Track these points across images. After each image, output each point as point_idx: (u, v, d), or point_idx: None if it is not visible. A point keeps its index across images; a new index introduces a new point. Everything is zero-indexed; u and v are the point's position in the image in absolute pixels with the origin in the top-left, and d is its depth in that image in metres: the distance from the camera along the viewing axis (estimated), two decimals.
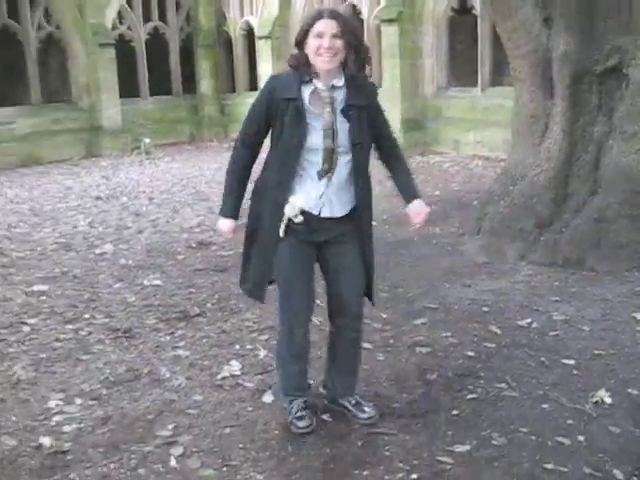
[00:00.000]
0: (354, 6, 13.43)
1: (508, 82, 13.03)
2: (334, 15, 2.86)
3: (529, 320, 4.38)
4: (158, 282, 5.51)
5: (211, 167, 12.13)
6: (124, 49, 15.18)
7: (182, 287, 5.36)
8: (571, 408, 3.28)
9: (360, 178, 3.03)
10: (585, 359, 3.80)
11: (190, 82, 16.45)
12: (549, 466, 2.81)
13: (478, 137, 11.55)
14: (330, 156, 2.90)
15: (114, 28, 14.96)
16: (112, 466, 2.95)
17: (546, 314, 4.48)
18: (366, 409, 3.22)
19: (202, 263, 6.03)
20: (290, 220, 2.96)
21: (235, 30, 16.00)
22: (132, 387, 3.69)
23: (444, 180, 9.56)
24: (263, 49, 14.69)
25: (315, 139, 2.90)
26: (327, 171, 2.93)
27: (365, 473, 2.83)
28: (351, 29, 2.90)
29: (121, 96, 14.73)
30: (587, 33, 5.46)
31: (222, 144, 15.59)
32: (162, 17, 15.92)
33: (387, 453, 2.96)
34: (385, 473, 2.81)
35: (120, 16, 15.13)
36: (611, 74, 5.44)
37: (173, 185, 10.33)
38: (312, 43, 2.84)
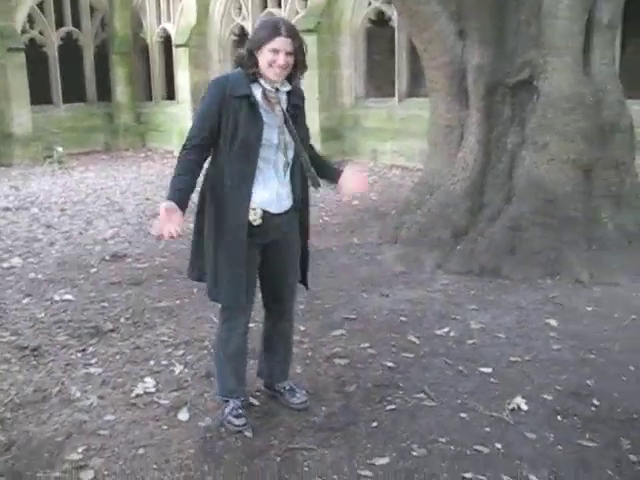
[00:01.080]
0: (272, 15, 13.40)
1: (425, 93, 13.32)
2: (291, 34, 2.93)
3: (447, 329, 4.41)
4: (69, 297, 5.28)
5: (126, 177, 11.85)
6: (35, 54, 14.68)
7: (94, 301, 5.15)
8: (489, 416, 3.30)
9: (300, 171, 3.12)
10: (501, 366, 3.85)
11: (105, 90, 16.06)
12: (468, 475, 2.81)
13: (396, 147, 11.70)
14: (286, 152, 3.03)
15: (24, 32, 14.46)
16: None
17: (463, 323, 4.53)
18: (298, 395, 3.41)
19: (116, 276, 5.83)
20: (248, 225, 3.01)
21: (152, 37, 15.73)
22: (40, 408, 3.50)
23: None
24: (181, 57, 14.47)
25: (269, 135, 2.97)
26: (286, 167, 3.06)
27: None
28: (302, 47, 2.98)
29: (32, 103, 14.23)
30: (500, 46, 5.60)
31: (138, 153, 15.28)
32: (76, 22, 15.50)
33: (306, 469, 2.89)
34: None
35: (31, 20, 14.65)
36: (523, 87, 5.60)
37: (87, 196, 10.01)
38: (266, 55, 2.91)
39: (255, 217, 3.02)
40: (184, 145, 3.02)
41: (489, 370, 3.80)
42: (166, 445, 3.11)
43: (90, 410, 3.46)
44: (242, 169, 2.97)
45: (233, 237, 3.01)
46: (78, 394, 3.64)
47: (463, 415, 3.32)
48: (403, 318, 4.64)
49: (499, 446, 3.04)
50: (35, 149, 14.01)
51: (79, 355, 4.17)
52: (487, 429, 3.19)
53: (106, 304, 5.08)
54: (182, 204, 2.92)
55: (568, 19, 5.35)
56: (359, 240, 6.70)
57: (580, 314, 4.66)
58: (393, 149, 11.74)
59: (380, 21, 12.14)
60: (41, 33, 14.89)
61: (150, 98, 16.27)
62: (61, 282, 5.69)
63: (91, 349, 4.25)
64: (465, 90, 5.84)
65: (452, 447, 3.04)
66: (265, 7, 13.57)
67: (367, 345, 4.18)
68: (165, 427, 3.27)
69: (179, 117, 14.71)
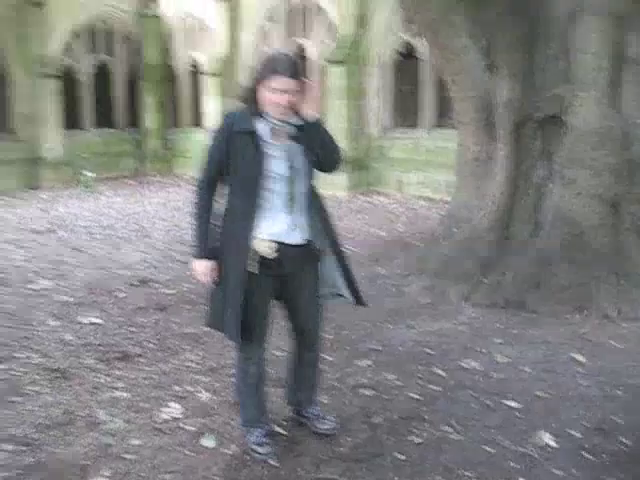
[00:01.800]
0: (302, 47, 13.61)
1: (451, 125, 13.40)
2: (294, 74, 2.90)
3: (473, 362, 4.40)
4: (97, 320, 5.35)
5: (153, 202, 12.01)
6: (69, 80, 15.01)
7: (122, 326, 5.21)
8: (515, 451, 3.28)
9: (315, 201, 3.17)
10: (527, 401, 3.82)
11: (134, 116, 16.33)
12: None
13: (421, 178, 11.74)
14: (292, 187, 3.04)
15: (60, 60, 14.80)
16: None
17: (489, 356, 4.51)
18: (326, 420, 3.45)
19: (143, 301, 5.89)
20: (263, 258, 3.05)
21: (181, 66, 16.01)
22: (67, 431, 3.53)
23: (389, 221, 9.65)
24: (211, 86, 14.70)
25: (275, 167, 3.00)
26: (292, 201, 3.06)
27: None
28: (304, 81, 2.98)
29: (64, 127, 14.52)
30: (528, 81, 5.63)
31: (166, 179, 15.48)
32: (109, 50, 15.83)
33: None
34: None
35: (67, 47, 14.99)
36: (551, 121, 5.61)
37: (116, 221, 10.15)
38: (268, 96, 2.91)
39: (270, 250, 3.05)
40: (198, 183, 3.16)
41: (515, 404, 3.77)
42: (191, 472, 3.13)
43: (116, 434, 3.49)
44: (245, 202, 3.02)
45: (234, 270, 3.07)
46: (104, 417, 3.67)
47: (489, 449, 3.30)
48: (429, 350, 4.63)
49: None
50: (65, 173, 14.26)
51: (107, 379, 4.21)
52: (513, 464, 3.16)
53: (134, 329, 5.14)
54: (211, 254, 3.14)
55: (596, 54, 5.38)
56: (385, 271, 6.71)
57: (607, 350, 4.62)
58: (419, 180, 11.78)
59: (408, 53, 12.26)
60: (75, 60, 15.22)
61: (177, 125, 16.51)
62: (89, 305, 5.76)
63: (118, 373, 4.30)
64: (493, 123, 5.88)
65: None
66: (292, 36, 13.77)
67: (393, 377, 4.17)
68: (191, 453, 3.29)
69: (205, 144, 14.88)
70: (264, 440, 3.27)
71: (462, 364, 4.37)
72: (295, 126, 3.02)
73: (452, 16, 5.77)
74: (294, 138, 3.03)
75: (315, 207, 3.18)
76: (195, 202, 3.16)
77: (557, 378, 4.15)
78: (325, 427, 3.42)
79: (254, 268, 3.04)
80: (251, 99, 2.99)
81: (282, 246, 3.07)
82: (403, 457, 3.23)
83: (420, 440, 3.40)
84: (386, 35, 12.14)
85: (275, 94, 2.89)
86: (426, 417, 3.64)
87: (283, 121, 2.98)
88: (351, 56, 12.14)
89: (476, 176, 6.10)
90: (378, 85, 12.42)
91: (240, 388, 3.35)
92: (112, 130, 16.08)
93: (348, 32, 12.20)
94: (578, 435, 3.43)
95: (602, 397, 3.87)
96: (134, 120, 16.35)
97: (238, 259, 3.05)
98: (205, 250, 3.14)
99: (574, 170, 5.49)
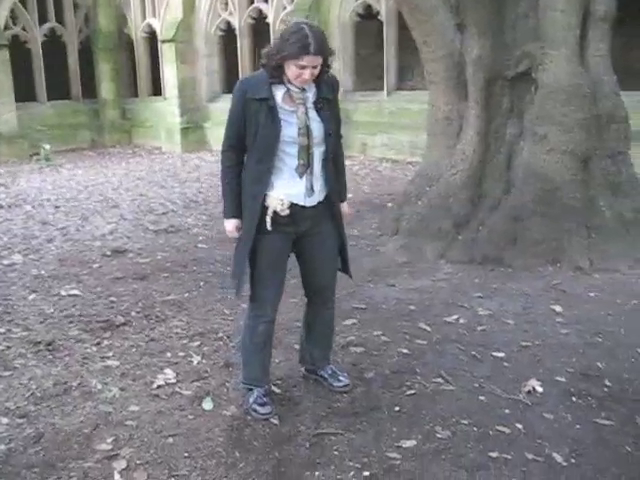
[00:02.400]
0: (260, 10, 13.44)
1: (412, 87, 13.44)
2: (320, 50, 2.91)
3: (456, 316, 4.50)
4: (76, 292, 5.30)
5: (116, 173, 11.83)
6: (19, 51, 14.57)
7: (102, 296, 5.18)
8: (506, 398, 3.39)
9: (333, 165, 3.22)
10: (513, 351, 3.95)
11: (90, 86, 15.98)
12: (494, 454, 2.90)
13: (385, 140, 11.79)
14: (306, 152, 3.07)
15: (7, 28, 14.35)
16: None
17: (471, 310, 4.63)
18: (341, 378, 3.53)
19: (120, 271, 5.85)
20: (275, 214, 3.09)
21: (137, 33, 15.67)
22: (62, 401, 3.53)
23: (355, 183, 9.68)
24: (167, 53, 14.43)
25: (290, 132, 3.03)
26: (305, 166, 3.09)
27: (317, 474, 2.82)
28: (328, 54, 3.00)
29: (17, 100, 14.14)
30: (498, 39, 5.69)
31: (126, 150, 15.25)
32: (59, 18, 15.39)
33: (336, 453, 2.96)
34: (337, 473, 2.82)
35: (13, 16, 14.53)
36: (521, 78, 5.70)
37: (79, 192, 9.99)
38: (293, 70, 2.94)
39: (283, 207, 3.09)
40: (222, 149, 3.22)
41: (502, 355, 3.89)
42: (194, 434, 3.17)
43: (113, 402, 3.50)
44: (260, 166, 3.08)
45: (248, 227, 3.16)
46: (99, 386, 3.68)
47: (482, 398, 3.41)
48: (412, 307, 4.72)
49: (520, 426, 3.13)
50: (21, 146, 13.94)
51: (94, 349, 4.20)
52: (506, 411, 3.28)
53: (114, 298, 5.11)
54: (237, 212, 3.21)
55: (565, 12, 5.45)
56: (358, 232, 6.77)
57: (583, 300, 4.77)
58: (382, 142, 11.84)
59: (368, 15, 12.21)
60: (24, 29, 14.77)
61: (136, 94, 16.21)
62: (65, 278, 5.70)
63: (106, 342, 4.29)
64: (464, 82, 5.93)
65: (475, 428, 3.12)
66: (252, 2, 13.58)
67: (380, 333, 4.26)
68: (191, 417, 3.33)
69: (166, 113, 14.69)
70: (264, 400, 3.31)
71: (445, 319, 4.48)
72: (315, 86, 3.08)
73: None
74: (313, 105, 3.07)
75: (338, 171, 3.30)
76: (221, 165, 3.24)
77: (538, 328, 4.28)
78: (341, 384, 3.50)
79: (267, 224, 3.09)
80: (275, 74, 3.01)
81: (297, 207, 3.12)
82: (399, 409, 3.32)
83: (413, 391, 3.49)
84: None
85: (303, 70, 2.93)
86: (417, 370, 3.73)
87: (303, 89, 3.04)
88: (311, 19, 12.01)
89: (447, 135, 6.15)
90: (338, 48, 12.33)
91: (246, 345, 3.37)
92: (67, 101, 15.72)
93: None
94: (564, 381, 3.57)
95: (583, 344, 4.02)
96: (90, 90, 16.00)
97: (251, 216, 3.12)
98: (233, 210, 3.20)
99: (544, 127, 5.58)
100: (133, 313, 4.79)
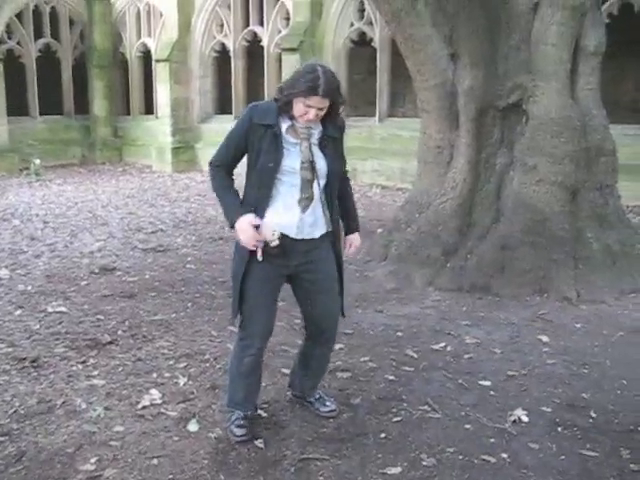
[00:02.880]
0: (255, 33, 13.56)
1: (403, 113, 13.56)
2: (328, 94, 2.93)
3: (443, 344, 4.52)
4: (63, 309, 5.28)
5: (106, 191, 11.82)
6: (13, 65, 14.60)
7: (89, 314, 5.16)
8: (492, 427, 3.40)
9: (334, 202, 3.23)
10: (500, 380, 3.96)
11: (83, 103, 16.00)
12: None
13: (376, 166, 11.87)
14: (310, 187, 3.07)
15: (2, 43, 14.38)
16: None
17: (458, 338, 4.64)
18: (327, 403, 3.52)
19: (108, 289, 5.83)
20: (266, 244, 3.04)
21: (131, 51, 15.74)
22: (46, 420, 3.50)
23: None
24: (161, 72, 14.50)
25: (291, 162, 3.04)
26: (309, 200, 3.08)
27: None
28: (338, 99, 3.01)
29: (9, 114, 14.13)
30: (491, 70, 5.78)
31: (116, 167, 15.24)
32: (54, 34, 15.45)
33: (321, 478, 2.95)
34: None
35: (9, 30, 14.57)
36: (512, 110, 5.78)
37: (68, 209, 9.97)
38: (300, 107, 2.96)
39: (273, 238, 3.04)
40: (210, 162, 3.22)
41: (488, 383, 3.90)
42: (179, 456, 3.15)
43: (98, 421, 3.48)
44: (258, 193, 3.08)
45: (241, 254, 3.16)
46: (84, 405, 3.65)
47: (468, 426, 3.41)
48: (399, 333, 4.73)
49: (505, 456, 3.14)
50: (11, 161, 13.91)
51: (80, 367, 4.17)
52: (492, 440, 3.28)
53: (101, 316, 5.09)
54: (243, 211, 3.10)
55: (557, 46, 5.55)
56: (346, 257, 6.76)
57: (570, 331, 4.80)
58: (373, 168, 11.90)
59: (361, 42, 12.34)
60: (19, 44, 14.81)
61: (128, 112, 16.25)
62: (52, 294, 5.67)
63: (92, 361, 4.26)
64: (456, 112, 6.00)
65: (460, 457, 3.12)
66: (247, 25, 13.70)
67: (367, 359, 4.26)
68: (176, 438, 3.31)
69: (158, 132, 14.72)
70: (242, 422, 3.28)
71: (433, 346, 4.48)
72: (321, 134, 3.10)
73: (417, 6, 5.84)
74: (317, 141, 3.09)
75: (346, 206, 3.37)
76: (211, 180, 3.23)
77: (525, 357, 4.30)
78: (327, 410, 3.49)
79: (257, 254, 3.05)
80: (284, 108, 3.03)
81: (288, 239, 3.07)
82: (385, 435, 3.32)
83: (400, 418, 3.49)
84: (340, 23, 12.20)
85: (308, 109, 2.95)
86: (403, 397, 3.73)
87: (308, 127, 3.05)
88: (305, 44, 12.13)
89: (438, 163, 6.21)
90: None
91: (232, 370, 3.34)
92: (59, 117, 15.72)
93: (303, 19, 12.21)
94: (550, 411, 3.58)
95: (569, 375, 4.04)
96: (82, 107, 16.01)
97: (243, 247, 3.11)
98: (237, 207, 3.11)
99: (535, 158, 5.66)
100: (120, 332, 4.77)
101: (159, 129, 14.65)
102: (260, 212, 3.06)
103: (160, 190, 11.96)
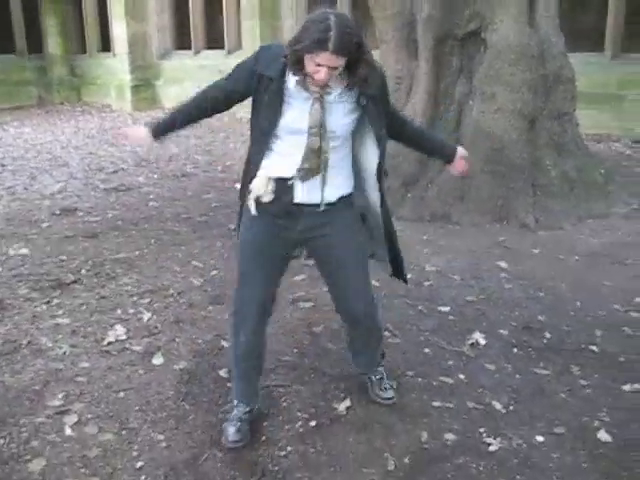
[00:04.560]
0: None
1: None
2: (340, 49, 2.35)
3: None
4: (24, 251, 5.24)
5: (65, 132, 11.59)
6: None
7: (52, 255, 5.13)
8: (451, 350, 3.51)
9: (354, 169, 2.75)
10: (458, 305, 4.07)
11: (36, 42, 15.49)
12: (436, 404, 3.02)
13: None
14: (317, 157, 2.55)
15: None
16: (1, 442, 2.82)
17: (419, 266, 4.73)
18: (387, 388, 3.08)
19: (69, 230, 5.79)
20: (258, 198, 2.63)
21: None
22: (12, 359, 3.52)
23: None
24: (117, 7, 14.06)
25: (294, 120, 2.54)
26: (311, 173, 2.56)
27: (265, 424, 2.90)
28: (357, 52, 2.42)
29: None
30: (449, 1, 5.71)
31: (75, 108, 14.90)
32: None
33: (284, 404, 3.04)
34: (285, 423, 2.90)
35: None
36: (471, 38, 5.75)
37: (26, 151, 9.77)
38: (310, 66, 2.42)
39: (264, 188, 2.61)
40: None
41: (447, 309, 4.01)
42: (145, 388, 3.21)
43: (64, 359, 3.52)
44: (256, 152, 2.67)
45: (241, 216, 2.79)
46: (49, 344, 3.68)
47: (427, 350, 3.52)
48: None
49: (462, 377, 3.25)
50: None
51: (44, 307, 4.18)
52: (450, 362, 3.40)
53: (64, 257, 5.07)
54: (156, 128, 2.75)
55: None
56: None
57: (528, 256, 4.92)
58: None
59: None
60: None
61: (84, 50, 15.79)
62: (13, 237, 5.62)
63: (56, 301, 4.27)
64: (414, 41, 5.95)
65: (419, 379, 3.23)
66: None
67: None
68: (141, 372, 3.36)
69: (116, 70, 14.37)
70: (239, 425, 2.80)
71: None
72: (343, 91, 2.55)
73: None
74: (339, 100, 2.56)
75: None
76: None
77: (484, 283, 4.41)
78: (385, 396, 3.05)
79: (251, 208, 2.66)
80: (293, 62, 2.45)
81: (295, 206, 2.62)
82: (347, 362, 3.40)
83: None
84: None
85: (318, 68, 2.40)
86: None
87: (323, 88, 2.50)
88: None
89: (398, 93, 6.18)
90: (291, 4, 12.20)
91: (231, 356, 2.90)
92: (11, 56, 15.22)
93: None
94: (506, 333, 3.71)
95: (526, 299, 4.16)
96: (36, 46, 15.51)
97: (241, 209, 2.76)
98: (156, 125, 2.75)
99: (493, 86, 5.66)
100: (83, 271, 4.77)
101: (117, 67, 14.30)
102: (254, 166, 2.65)
103: (120, 129, 11.73)
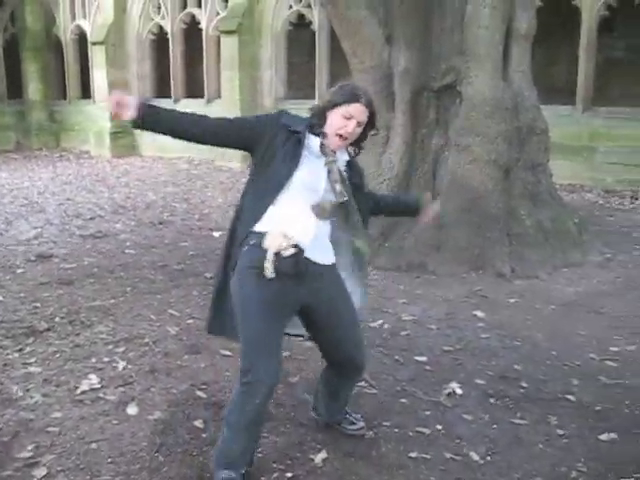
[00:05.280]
0: (193, 15, 13.39)
1: None
2: (369, 103, 2.68)
3: (380, 321, 4.60)
4: None
5: (43, 177, 11.57)
6: None
7: (26, 302, 5.07)
8: (428, 401, 3.50)
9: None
10: (435, 355, 4.07)
11: (15, 87, 15.55)
12: (413, 454, 2.99)
13: None
14: (324, 215, 2.70)
15: None
16: None
17: (395, 315, 4.74)
18: (355, 421, 3.17)
19: (44, 276, 5.74)
20: (276, 256, 2.59)
21: (66, 34, 15.35)
22: None
23: None
24: (97, 55, 14.20)
25: (307, 176, 2.66)
26: (324, 212, 2.68)
27: None
28: (373, 120, 2.75)
29: None
30: (425, 52, 5.87)
31: (53, 153, 14.91)
32: None
33: (260, 455, 3.00)
34: (261, 473, 2.85)
35: None
36: (447, 91, 5.88)
37: (2, 196, 9.74)
38: (337, 121, 2.66)
39: (288, 244, 2.60)
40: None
41: (424, 359, 4.01)
42: (118, 439, 3.14)
43: (35, 408, 3.44)
44: (256, 204, 2.68)
45: (241, 276, 2.68)
46: (20, 393, 3.60)
47: (403, 400, 3.50)
48: None
49: (439, 427, 3.23)
50: None
51: (16, 355, 4.11)
52: (427, 412, 3.38)
53: (38, 304, 5.01)
54: (143, 108, 2.60)
55: (489, 28, 5.67)
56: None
57: (504, 305, 4.95)
58: None
59: (301, 24, 12.32)
60: None
61: (64, 97, 15.87)
62: None
63: (28, 349, 4.20)
64: (392, 93, 6.07)
65: (396, 430, 3.21)
66: (185, 7, 13.51)
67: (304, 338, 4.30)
68: (115, 422, 3.30)
69: (96, 117, 14.44)
70: None
71: (371, 324, 4.56)
72: (345, 162, 2.79)
73: None
74: (338, 174, 2.71)
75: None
76: None
77: (460, 333, 4.42)
78: (355, 428, 3.15)
79: (268, 271, 2.58)
80: (318, 122, 2.69)
81: (301, 253, 2.64)
82: None
83: None
84: (279, 5, 12.15)
85: (348, 121, 2.64)
86: None
87: (334, 152, 2.71)
88: (244, 26, 12.06)
89: (375, 144, 6.27)
90: (271, 56, 12.41)
91: (230, 420, 2.72)
92: None
93: (241, 1, 12.11)
94: (483, 383, 3.70)
95: (502, 348, 4.18)
96: (15, 92, 15.56)
97: (249, 262, 2.65)
98: (148, 104, 2.64)
99: (468, 138, 5.78)
100: (57, 319, 4.71)
101: (97, 114, 14.37)
102: (259, 217, 2.65)
103: (99, 176, 11.76)
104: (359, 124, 2.68)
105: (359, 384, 3.63)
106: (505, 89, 5.78)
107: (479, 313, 4.77)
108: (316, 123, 2.70)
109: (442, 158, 5.96)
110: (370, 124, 2.75)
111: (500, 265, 5.53)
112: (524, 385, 3.67)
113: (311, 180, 2.66)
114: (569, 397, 3.53)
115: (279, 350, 2.68)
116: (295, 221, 2.64)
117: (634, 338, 4.35)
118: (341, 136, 2.67)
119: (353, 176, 2.81)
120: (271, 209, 2.65)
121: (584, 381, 3.72)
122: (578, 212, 6.97)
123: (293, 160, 2.64)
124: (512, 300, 5.06)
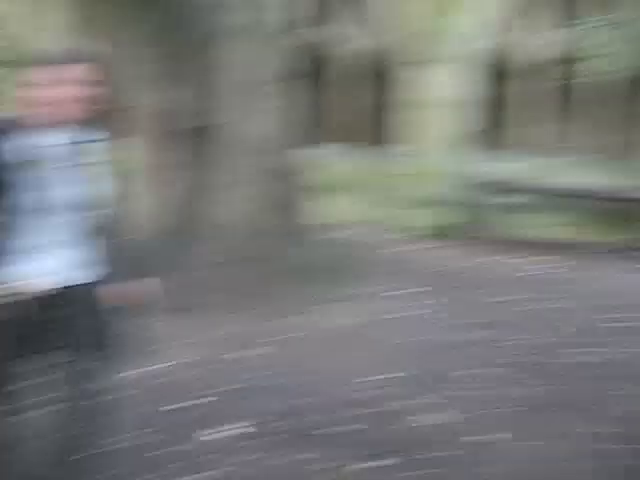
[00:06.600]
0: None
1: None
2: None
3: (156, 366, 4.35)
4: None
5: None
6: None
7: None
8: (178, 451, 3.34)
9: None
10: (222, 393, 4.02)
11: None
12: None
13: None
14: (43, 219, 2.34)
15: None
16: None
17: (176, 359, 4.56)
18: None
19: None
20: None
21: None
22: None
23: None
24: None
25: (25, 198, 2.28)
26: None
27: None
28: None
29: None
30: (181, 92, 5.85)
31: None
32: None
33: None
34: None
35: None
36: (203, 131, 5.89)
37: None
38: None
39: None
40: None
41: (175, 406, 3.85)
42: None
43: None
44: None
45: None
46: None
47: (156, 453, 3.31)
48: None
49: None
50: None
51: None
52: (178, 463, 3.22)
53: None
54: None
55: (243, 70, 5.80)
56: None
57: (287, 341, 4.99)
58: None
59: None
60: None
61: None
62: None
63: None
64: (149, 134, 5.95)
65: None
66: None
67: None
68: None
69: None
70: None
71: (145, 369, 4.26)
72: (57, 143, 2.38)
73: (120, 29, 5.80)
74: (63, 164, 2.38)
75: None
76: None
77: (247, 373, 4.36)
78: None
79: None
80: None
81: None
82: None
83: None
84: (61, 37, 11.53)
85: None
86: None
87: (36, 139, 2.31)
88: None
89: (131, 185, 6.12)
90: None
91: None
92: None
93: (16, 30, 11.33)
94: (273, 419, 3.67)
95: (291, 384, 4.18)
96: None
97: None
98: None
99: (227, 177, 5.82)
100: None
101: None
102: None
103: None
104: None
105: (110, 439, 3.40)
106: (260, 129, 5.89)
107: (262, 350, 4.76)
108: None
109: (202, 200, 5.92)
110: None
111: (263, 304, 5.56)
112: (316, 418, 3.69)
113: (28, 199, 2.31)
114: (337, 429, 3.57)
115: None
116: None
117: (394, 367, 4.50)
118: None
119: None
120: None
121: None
122: (341, 248, 7.22)
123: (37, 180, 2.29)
124: (295, 335, 5.11)
